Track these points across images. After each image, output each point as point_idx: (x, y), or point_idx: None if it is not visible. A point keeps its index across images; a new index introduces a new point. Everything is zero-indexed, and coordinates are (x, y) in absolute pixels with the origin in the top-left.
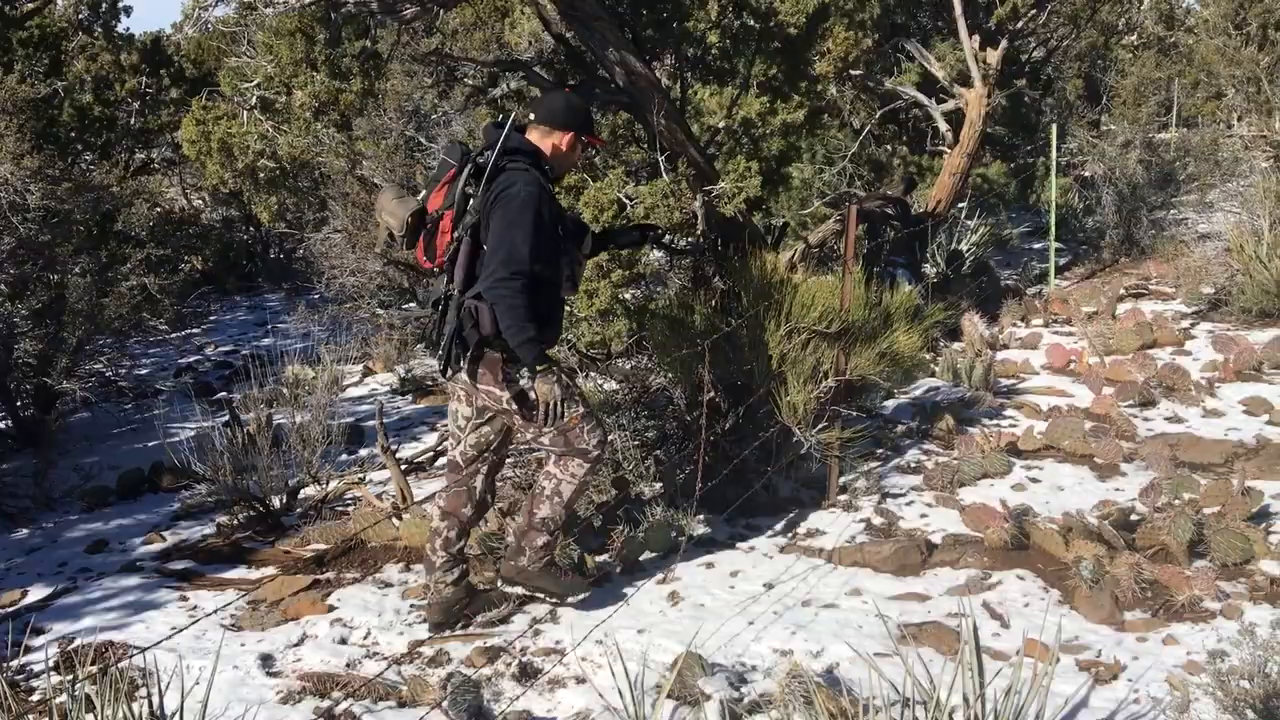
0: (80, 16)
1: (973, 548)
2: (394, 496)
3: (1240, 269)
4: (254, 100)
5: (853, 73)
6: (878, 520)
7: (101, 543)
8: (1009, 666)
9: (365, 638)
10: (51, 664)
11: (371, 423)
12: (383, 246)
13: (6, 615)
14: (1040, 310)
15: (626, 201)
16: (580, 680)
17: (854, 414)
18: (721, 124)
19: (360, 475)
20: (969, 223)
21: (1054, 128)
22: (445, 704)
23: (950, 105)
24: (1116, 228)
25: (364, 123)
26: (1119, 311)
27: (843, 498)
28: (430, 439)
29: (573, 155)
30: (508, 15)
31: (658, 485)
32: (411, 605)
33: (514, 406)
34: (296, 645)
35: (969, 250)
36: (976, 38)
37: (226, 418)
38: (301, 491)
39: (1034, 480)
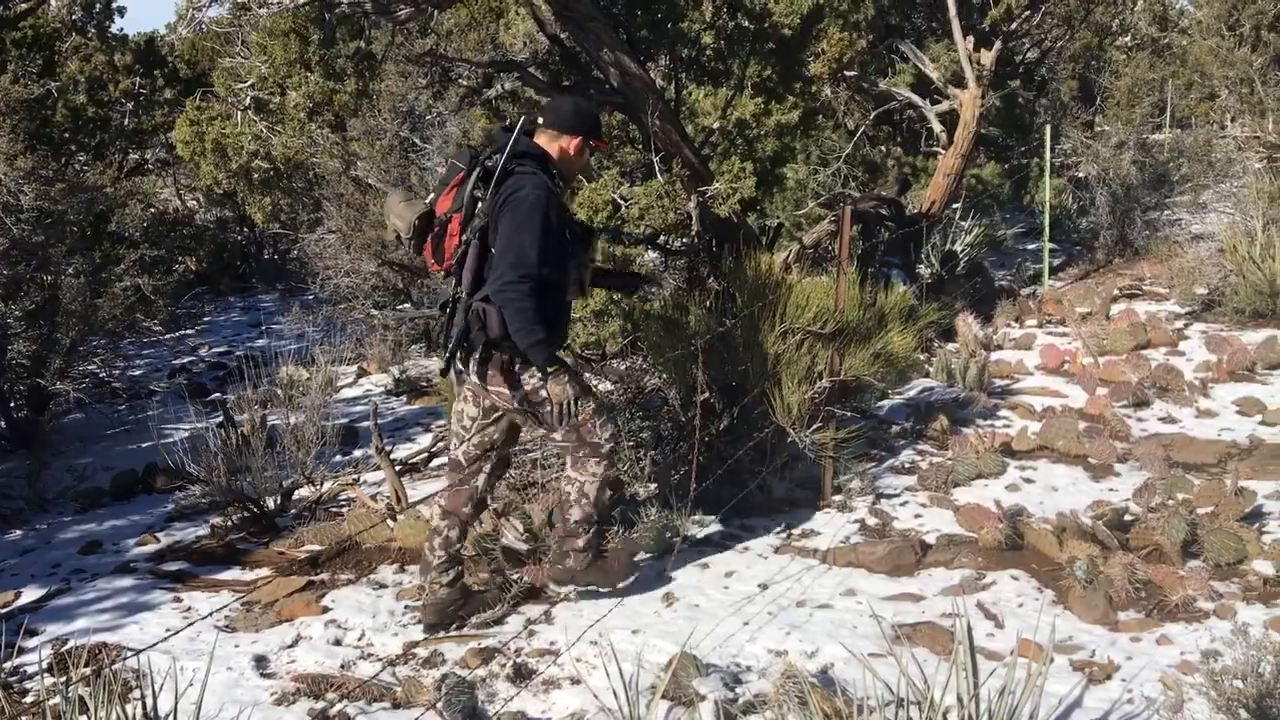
0: (74, 17)
1: (967, 548)
2: (388, 497)
3: (1233, 270)
4: (248, 101)
5: (847, 74)
6: (872, 521)
7: (95, 544)
8: (1003, 667)
9: (360, 639)
10: (45, 666)
11: (366, 424)
12: (393, 248)
13: (0, 617)
14: (1034, 311)
15: (621, 202)
16: (575, 681)
17: (848, 414)
18: (716, 125)
19: (355, 476)
20: (963, 223)
21: (1048, 128)
22: (440, 705)
23: (944, 106)
24: (1110, 228)
25: (358, 123)
26: (1113, 312)
27: (837, 498)
28: (425, 440)
29: (580, 159)
30: (502, 16)
31: (652, 486)
32: (406, 606)
33: (526, 406)
34: (291, 646)
35: (963, 251)
36: (971, 39)
37: (221, 419)
38: (296, 492)
39: (1028, 481)
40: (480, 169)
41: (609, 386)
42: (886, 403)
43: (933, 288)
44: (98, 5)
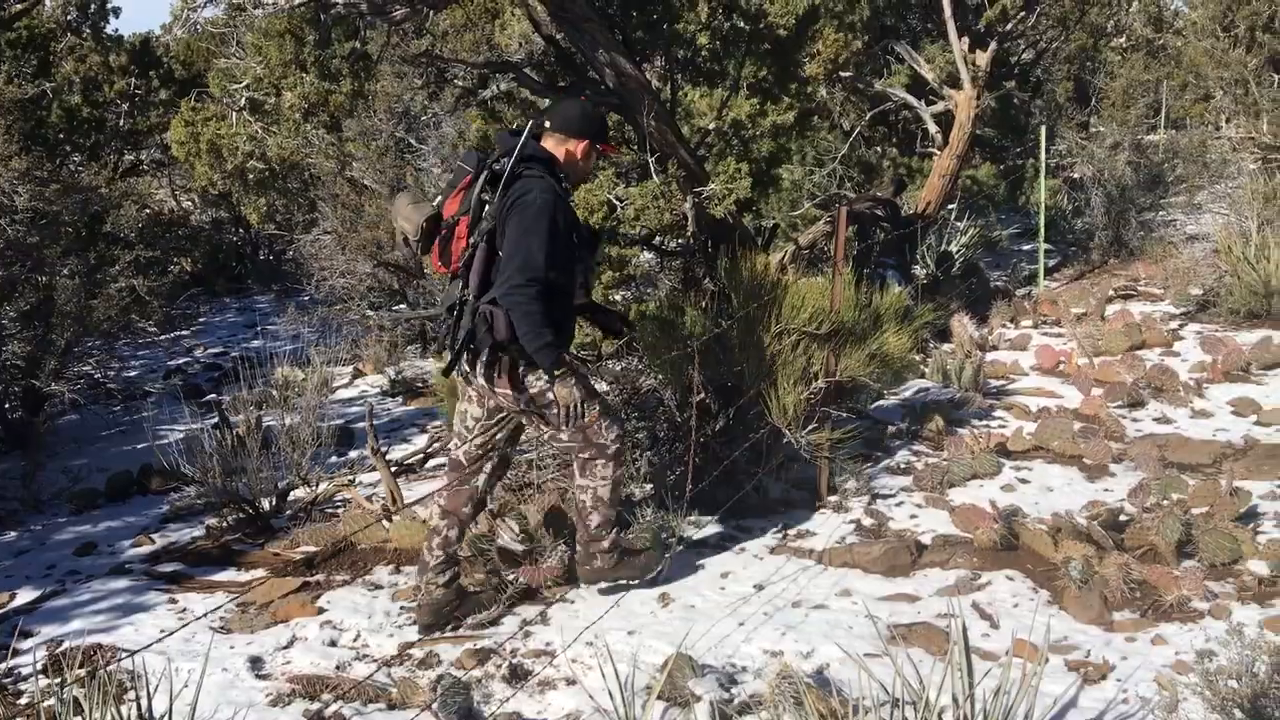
0: (69, 18)
1: (962, 548)
2: (384, 498)
3: (1228, 270)
4: (243, 101)
5: (842, 74)
6: (867, 521)
7: (90, 545)
8: (998, 667)
9: (355, 640)
10: (39, 667)
11: (361, 424)
12: (389, 248)
13: None
14: (1029, 311)
15: (617, 203)
16: (570, 682)
17: (844, 415)
18: (711, 125)
19: (350, 477)
20: (958, 224)
21: (1043, 129)
22: (435, 706)
23: (940, 107)
24: (1105, 229)
25: (354, 124)
26: (1108, 313)
27: (833, 499)
28: (420, 441)
29: (588, 163)
30: (498, 17)
31: (648, 487)
32: (401, 607)
33: (533, 408)
34: (286, 647)
35: (958, 252)
36: (966, 40)
37: (216, 420)
38: (291, 493)
39: (1023, 481)
40: (488, 172)
41: (604, 387)
42: (882, 403)
43: (928, 288)
44: (93, 6)
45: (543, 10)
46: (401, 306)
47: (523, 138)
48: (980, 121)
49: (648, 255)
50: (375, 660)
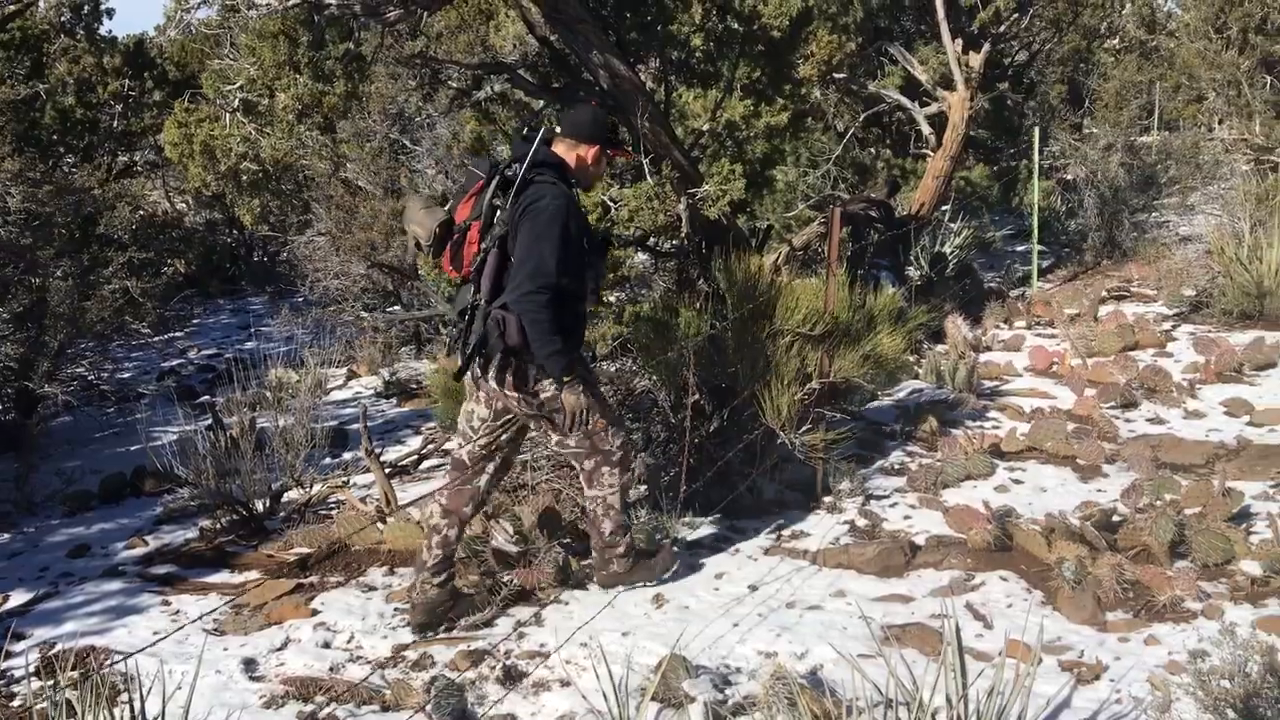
0: (62, 19)
1: (956, 549)
2: (378, 500)
3: (1221, 271)
4: (236, 103)
5: (836, 76)
6: (862, 522)
7: (83, 547)
8: (991, 667)
9: (349, 641)
10: (32, 669)
11: (356, 426)
12: (411, 254)
13: None
14: (1023, 312)
15: (611, 204)
16: (565, 683)
17: (838, 416)
18: (706, 127)
19: (344, 479)
20: (952, 225)
21: (1036, 131)
22: (429, 708)
23: (933, 108)
24: (1098, 230)
25: (348, 125)
26: (1101, 313)
27: (827, 499)
28: (414, 442)
29: (598, 167)
30: (492, 18)
31: (643, 488)
32: (395, 609)
33: (542, 413)
34: (280, 649)
35: (952, 253)
36: (959, 41)
37: (209, 421)
38: (285, 495)
39: (1017, 482)
40: (499, 178)
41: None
42: (876, 404)
43: (922, 289)
44: (86, 7)
45: (537, 12)
46: (396, 308)
47: (535, 144)
48: (974, 123)
49: (642, 256)
50: (369, 662)
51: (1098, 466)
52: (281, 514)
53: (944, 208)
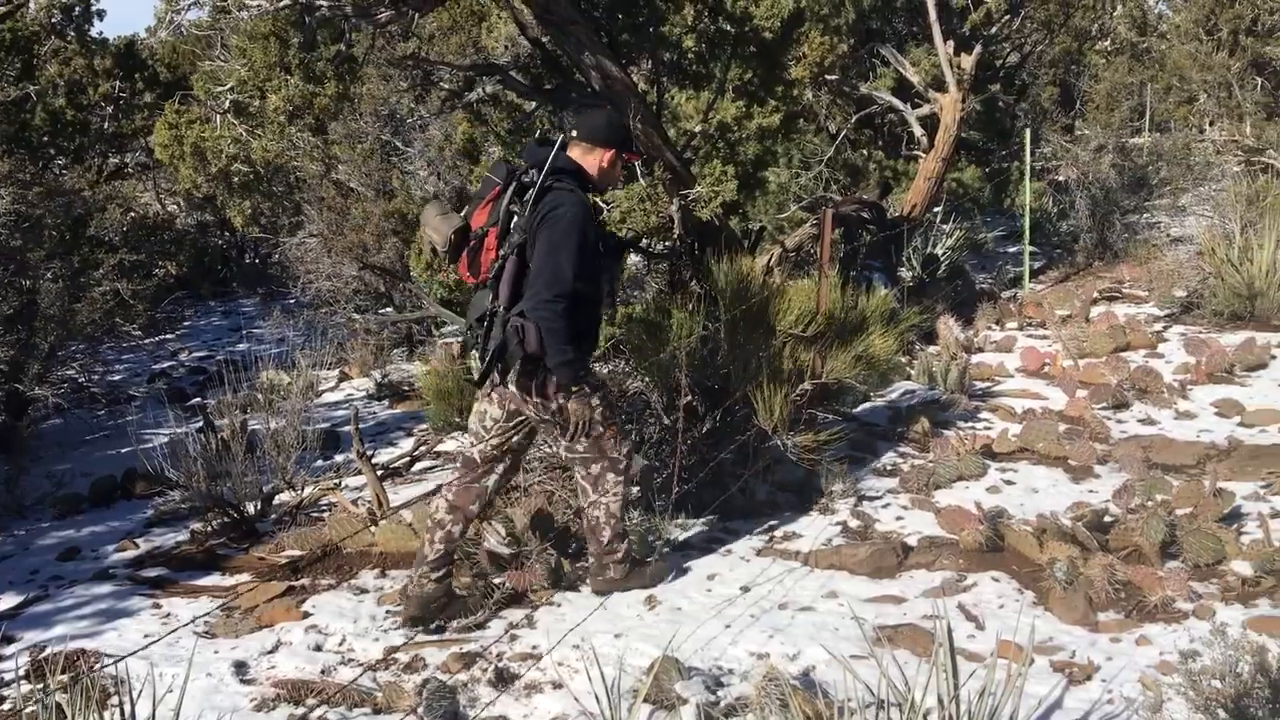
0: (53, 20)
1: (948, 550)
2: (370, 502)
3: (1212, 272)
4: (227, 104)
5: (828, 77)
6: (854, 523)
7: (74, 550)
8: (983, 668)
9: (340, 644)
10: (22, 673)
11: (347, 428)
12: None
13: None
14: (1015, 313)
15: (603, 205)
16: (557, 685)
17: (830, 417)
18: (698, 128)
19: (336, 481)
20: (944, 227)
21: (1028, 132)
22: (420, 710)
23: (925, 110)
24: (1090, 231)
25: (339, 127)
26: (1092, 315)
27: (819, 500)
28: (406, 444)
29: (614, 172)
30: (484, 20)
31: (635, 489)
32: (387, 611)
33: (558, 419)
34: (271, 652)
35: (944, 254)
36: (951, 43)
37: (200, 424)
38: (276, 498)
39: (1009, 482)
40: (516, 184)
41: None
42: (868, 405)
43: (914, 291)
44: (77, 9)
45: (528, 13)
46: (388, 310)
47: (554, 150)
48: (965, 124)
49: (634, 258)
50: (360, 664)
51: (1089, 467)
52: (273, 516)
53: (936, 209)
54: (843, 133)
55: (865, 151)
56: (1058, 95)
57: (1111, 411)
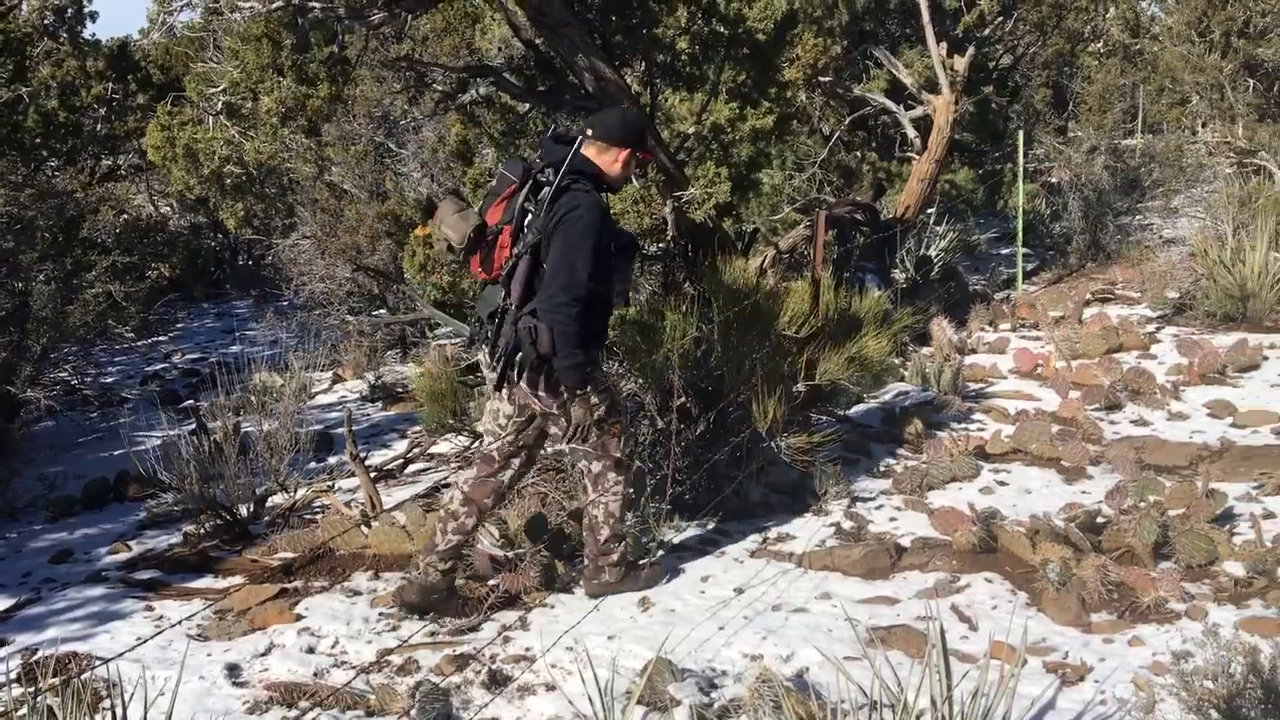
0: (45, 22)
1: (941, 551)
2: (363, 504)
3: (1204, 274)
4: (220, 106)
5: (822, 79)
6: (847, 524)
7: (66, 553)
8: (976, 669)
9: (333, 646)
10: (13, 676)
11: (341, 430)
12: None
13: None
14: (1008, 315)
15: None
16: (550, 687)
17: (824, 419)
18: (691, 130)
19: (329, 483)
20: (937, 228)
21: (1021, 134)
22: (414, 712)
23: (918, 112)
24: (1083, 233)
25: (333, 128)
26: (1085, 316)
27: (812, 502)
28: (400, 446)
29: (627, 171)
30: (478, 21)
31: (630, 491)
32: (380, 613)
33: (559, 414)
34: (263, 655)
35: (937, 256)
36: (944, 45)
37: (193, 426)
38: (269, 500)
39: (1002, 484)
40: (532, 183)
41: None
42: (862, 407)
43: (907, 292)
44: (70, 10)
45: (522, 15)
46: (381, 311)
47: (572, 150)
48: (958, 126)
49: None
50: (354, 667)
51: (1082, 468)
52: (266, 519)
53: (929, 211)
54: (836, 134)
55: (859, 153)
56: (1050, 97)
57: (1104, 413)
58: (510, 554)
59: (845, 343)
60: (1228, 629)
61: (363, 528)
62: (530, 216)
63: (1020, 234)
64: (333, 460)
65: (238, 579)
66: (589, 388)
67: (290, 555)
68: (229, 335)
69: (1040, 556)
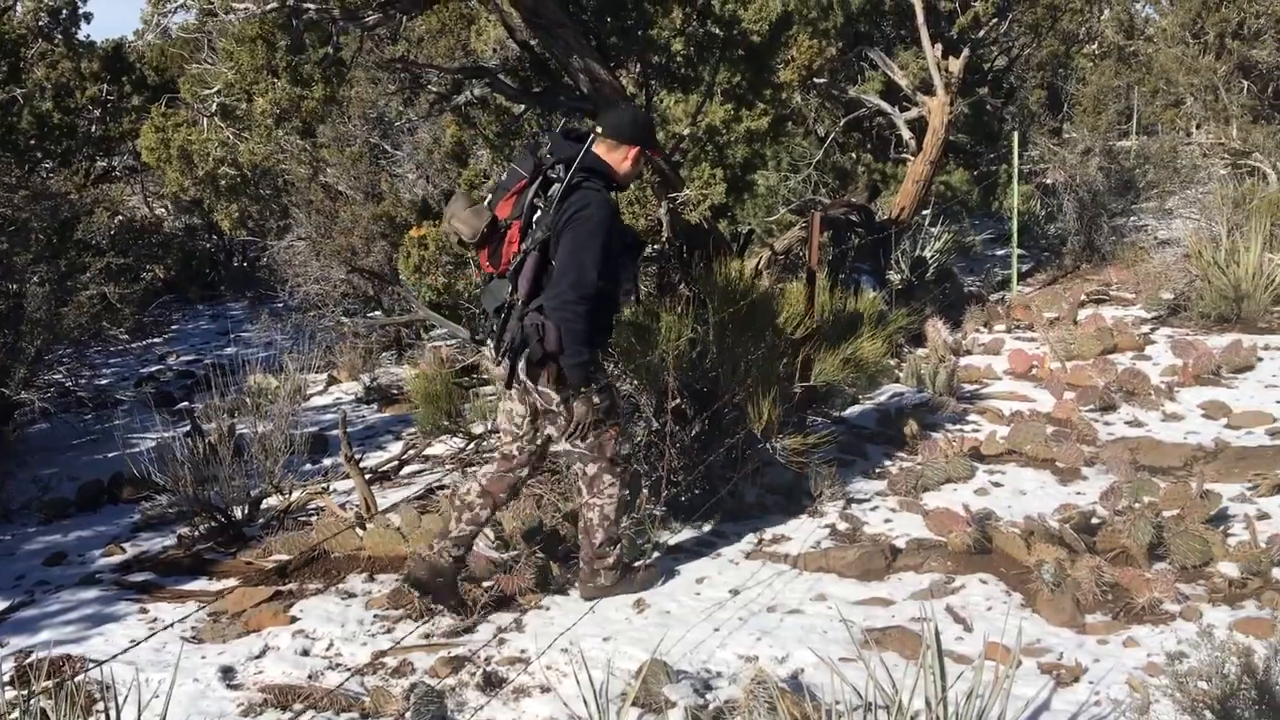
0: (40, 23)
1: (936, 552)
2: (358, 506)
3: (1199, 275)
4: (214, 107)
5: (817, 80)
6: (842, 525)
7: (60, 555)
8: (971, 670)
9: (328, 649)
10: (6, 679)
11: (336, 432)
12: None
13: None
14: (1003, 316)
15: None
16: (545, 689)
17: (819, 420)
18: (686, 131)
19: (324, 485)
20: (932, 230)
21: (1016, 135)
22: (408, 715)
23: (913, 113)
24: (1078, 234)
25: (328, 129)
26: (1080, 317)
27: (808, 503)
28: (395, 448)
29: (636, 169)
30: (473, 23)
31: (624, 492)
32: (375, 615)
33: (560, 410)
34: (258, 657)
35: (932, 257)
36: (939, 46)
37: (188, 428)
38: (264, 502)
39: (996, 485)
40: (543, 178)
41: None
42: (857, 408)
43: (902, 293)
44: (64, 12)
45: (517, 16)
46: (376, 313)
47: (585, 147)
48: (953, 127)
49: None
50: (348, 669)
51: (1077, 469)
52: (260, 521)
53: (924, 212)
54: (831, 136)
55: (854, 154)
56: (1045, 98)
57: (1099, 413)
58: (506, 556)
59: (840, 344)
60: (1222, 630)
61: (357, 530)
62: (539, 213)
63: (1015, 235)
64: (328, 462)
65: (232, 581)
66: (593, 385)
67: (285, 557)
68: (224, 337)
69: (1035, 557)
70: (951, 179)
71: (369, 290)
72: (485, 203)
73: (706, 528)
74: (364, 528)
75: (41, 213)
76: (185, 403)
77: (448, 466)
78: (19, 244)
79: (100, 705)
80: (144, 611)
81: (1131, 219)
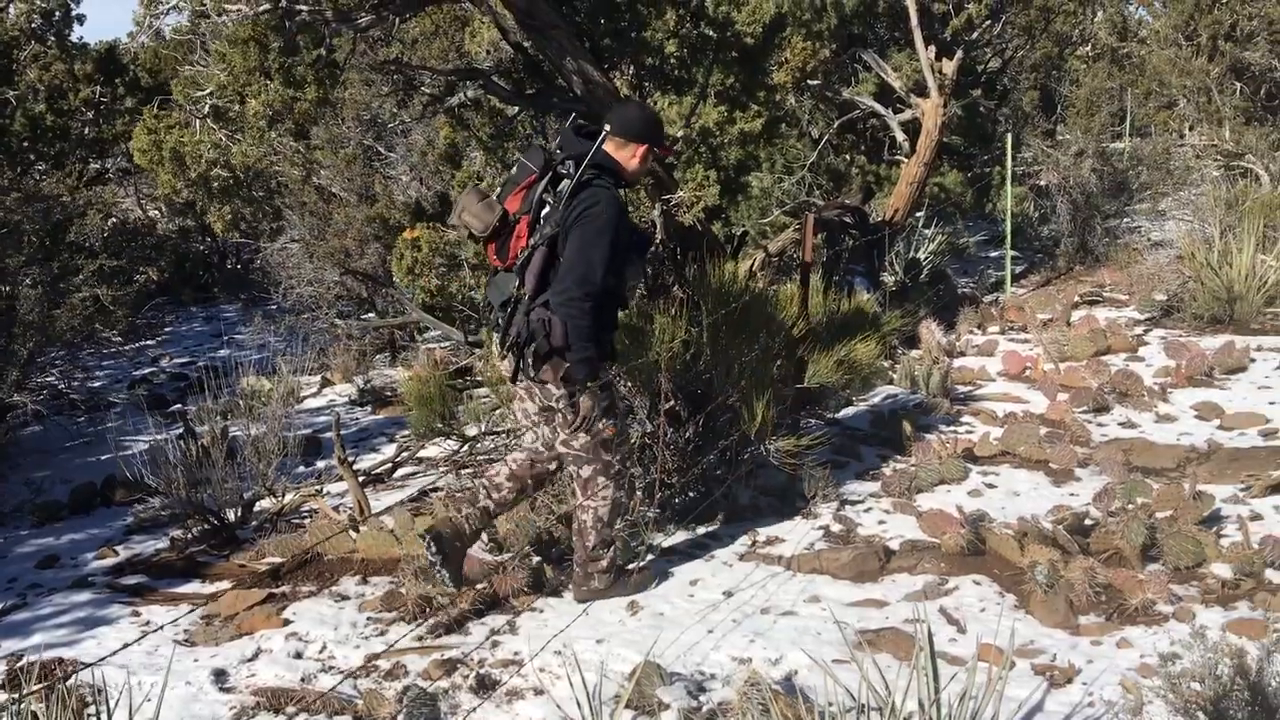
0: (33, 25)
1: (930, 553)
2: (351, 508)
3: (1192, 276)
4: (207, 109)
5: (810, 82)
6: (836, 527)
7: (52, 558)
8: (965, 671)
9: (321, 651)
10: None
11: (329, 434)
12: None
13: None
14: (996, 318)
15: None
16: (538, 692)
17: (813, 422)
18: (680, 133)
19: (317, 487)
20: (926, 231)
21: (1009, 137)
22: (401, 717)
23: (907, 115)
24: (1071, 236)
25: (321, 131)
26: (1073, 318)
27: (802, 505)
28: (388, 450)
29: (644, 166)
30: (466, 25)
31: (620, 494)
32: (368, 618)
33: (563, 406)
34: (251, 660)
35: (926, 258)
36: (933, 48)
37: (181, 430)
38: (257, 504)
39: (990, 486)
40: (552, 174)
41: None
42: (851, 409)
43: (896, 295)
44: (57, 14)
45: (510, 18)
46: (370, 315)
47: (595, 144)
48: (947, 129)
49: None
50: (341, 672)
51: (1070, 470)
52: (253, 523)
53: (918, 214)
54: (825, 138)
55: (847, 156)
56: (1038, 100)
57: (1092, 415)
58: (500, 558)
59: (834, 346)
60: (1215, 631)
61: (351, 532)
62: (548, 208)
63: (1009, 237)
64: (321, 464)
65: (225, 584)
66: (598, 380)
67: (278, 560)
68: (217, 339)
69: (1028, 559)
70: (945, 181)
71: (363, 292)
72: (496, 197)
73: (700, 530)
74: (357, 530)
75: (34, 215)
76: (178, 405)
77: (441, 469)
78: (11, 246)
79: (92, 708)
80: (136, 614)
81: (1125, 221)
